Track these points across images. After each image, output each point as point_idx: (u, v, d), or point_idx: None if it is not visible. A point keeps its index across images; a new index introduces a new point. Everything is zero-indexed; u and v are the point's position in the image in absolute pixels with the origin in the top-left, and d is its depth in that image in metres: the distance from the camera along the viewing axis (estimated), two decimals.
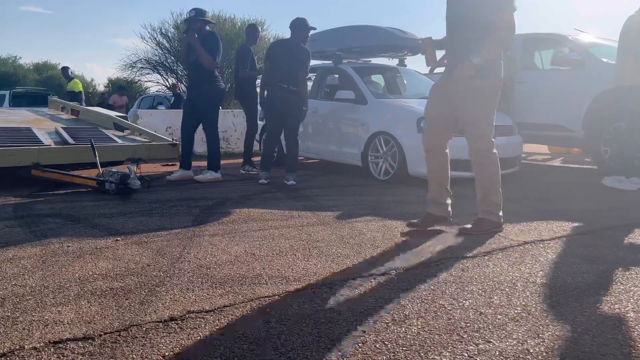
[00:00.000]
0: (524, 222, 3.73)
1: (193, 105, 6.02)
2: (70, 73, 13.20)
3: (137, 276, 2.51)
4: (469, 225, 3.44)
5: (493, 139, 3.50)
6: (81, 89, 13.07)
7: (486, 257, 2.82)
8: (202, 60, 5.73)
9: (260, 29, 7.38)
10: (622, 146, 5.42)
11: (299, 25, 5.76)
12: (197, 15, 5.91)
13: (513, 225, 3.61)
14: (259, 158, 8.32)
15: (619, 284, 2.40)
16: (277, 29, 42.15)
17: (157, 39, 19.66)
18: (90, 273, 2.55)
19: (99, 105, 14.10)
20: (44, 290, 2.31)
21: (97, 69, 71.23)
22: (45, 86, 34.32)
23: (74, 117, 8.54)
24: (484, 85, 3.35)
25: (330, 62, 7.23)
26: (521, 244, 3.10)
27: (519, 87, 7.16)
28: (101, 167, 5.81)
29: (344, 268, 2.65)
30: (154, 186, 5.56)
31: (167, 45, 19.26)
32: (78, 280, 2.44)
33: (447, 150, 3.70)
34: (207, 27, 6.05)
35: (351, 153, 6.39)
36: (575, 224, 3.66)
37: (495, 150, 3.49)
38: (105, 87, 33.35)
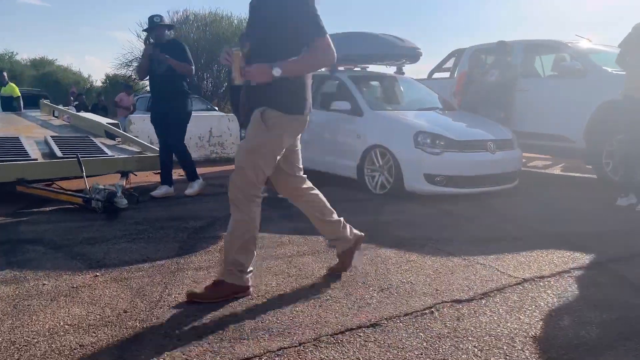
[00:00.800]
0: (524, 251, 3.57)
1: (163, 119, 5.69)
2: (5, 77, 12.89)
3: (111, 327, 2.36)
4: (199, 290, 2.70)
5: (260, 187, 2.74)
6: (18, 94, 12.81)
7: (483, 302, 2.66)
8: (178, 68, 5.44)
9: None
10: (625, 162, 5.23)
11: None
12: (152, 24, 5.60)
13: (512, 256, 3.46)
14: None
15: (623, 341, 2.25)
16: None
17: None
18: (62, 323, 2.40)
19: (94, 106, 13.92)
20: (10, 348, 2.16)
21: (97, 62, 70.81)
22: (42, 83, 34.15)
23: (66, 123, 8.40)
24: (266, 113, 2.67)
25: (326, 69, 7.05)
26: (520, 282, 2.95)
27: (519, 94, 7.00)
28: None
29: (332, 317, 2.49)
30: (143, 201, 5.41)
31: None
32: (47, 334, 2.28)
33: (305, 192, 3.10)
34: (168, 32, 5.92)
35: (347, 165, 6.23)
36: (577, 254, 3.50)
37: (257, 201, 2.73)
38: (103, 83, 33.03)
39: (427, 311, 2.54)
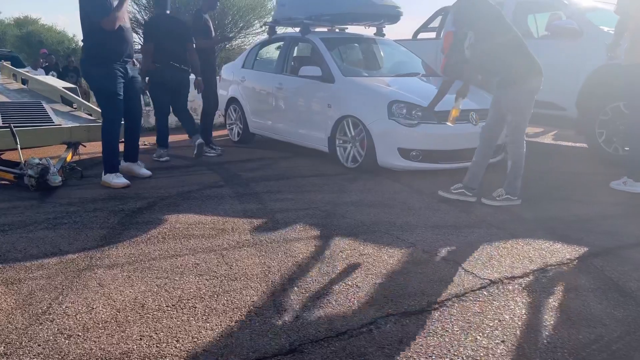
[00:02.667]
0: (497, 241, 3.11)
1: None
2: None
3: None
4: None
5: None
6: None
7: (437, 314, 2.20)
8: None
9: None
10: (632, 134, 4.64)
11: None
12: None
13: (483, 248, 2.99)
14: (223, 133, 7.68)
15: None
16: None
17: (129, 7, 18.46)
18: None
19: (64, 68, 13.19)
20: None
21: None
22: (25, 42, 33.04)
23: (23, 87, 7.81)
24: None
25: (298, 31, 6.44)
26: (485, 286, 2.49)
27: None
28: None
29: (251, 334, 2.03)
30: (88, 176, 4.90)
31: (144, 0, 18.12)
32: None
33: None
34: None
35: (317, 137, 5.70)
36: (558, 246, 3.04)
37: None
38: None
39: (364, 329, 2.08)
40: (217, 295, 2.38)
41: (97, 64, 4.35)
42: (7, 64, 9.44)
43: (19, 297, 2.36)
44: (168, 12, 6.20)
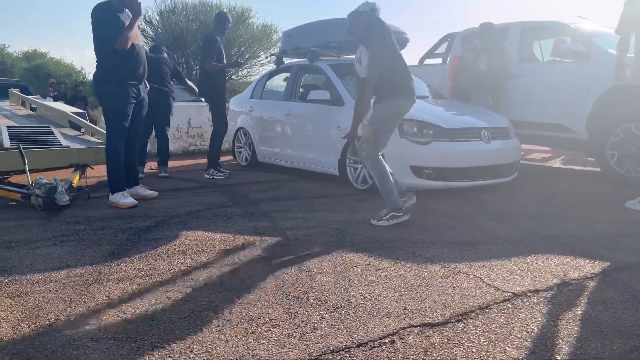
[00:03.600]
0: (516, 257, 3.01)
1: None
2: None
3: None
4: None
5: None
6: None
7: (460, 326, 2.11)
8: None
9: (230, 19, 6.56)
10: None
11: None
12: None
13: (502, 264, 2.90)
14: (228, 159, 7.66)
15: None
16: (265, 17, 40.85)
17: (140, 26, 18.79)
18: None
19: (72, 97, 13.32)
20: None
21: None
22: (33, 75, 33.50)
23: (31, 112, 7.86)
24: None
25: (306, 59, 6.47)
26: (509, 299, 2.39)
27: (515, 81, 6.42)
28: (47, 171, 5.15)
29: (262, 349, 1.94)
30: (96, 197, 4.85)
31: (150, 32, 18.41)
32: None
33: None
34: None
35: (327, 161, 5.65)
36: (580, 261, 2.94)
37: None
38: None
39: (387, 340, 1.98)
40: (231, 308, 2.29)
41: (111, 83, 4.36)
42: (16, 91, 9.55)
43: (25, 310, 2.27)
44: (165, 54, 6.67)
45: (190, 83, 7.02)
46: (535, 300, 2.37)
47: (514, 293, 2.46)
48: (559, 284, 2.58)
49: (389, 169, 3.88)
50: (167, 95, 6.35)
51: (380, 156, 3.85)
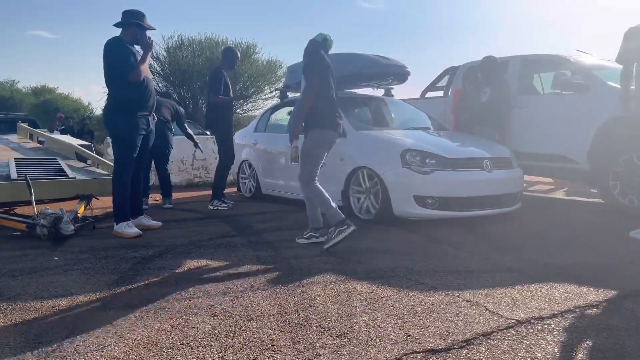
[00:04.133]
0: (519, 285, 3.00)
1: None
2: None
3: None
4: None
5: None
6: None
7: (464, 352, 2.09)
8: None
9: (239, 55, 6.66)
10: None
11: None
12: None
13: (506, 291, 2.88)
14: (231, 190, 7.70)
15: None
16: (270, 53, 41.57)
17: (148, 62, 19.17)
18: None
19: (79, 131, 13.50)
20: None
21: (103, 91, 71.27)
22: (41, 110, 34.01)
23: (39, 145, 7.99)
24: None
25: None
26: (513, 325, 2.38)
27: (516, 112, 6.49)
28: (53, 202, 5.19)
29: None
30: (101, 228, 4.87)
31: (158, 69, 18.77)
32: None
33: None
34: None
35: (330, 191, 5.64)
36: (584, 289, 2.92)
37: None
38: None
39: None
40: (233, 334, 2.28)
41: (122, 114, 4.45)
42: (24, 124, 9.71)
43: (28, 337, 2.27)
44: (173, 100, 6.90)
45: (189, 131, 6.97)
46: (539, 328, 2.36)
47: (517, 320, 2.44)
48: (563, 312, 2.56)
49: (325, 195, 4.13)
50: (163, 124, 6.25)
51: (316, 181, 4.16)
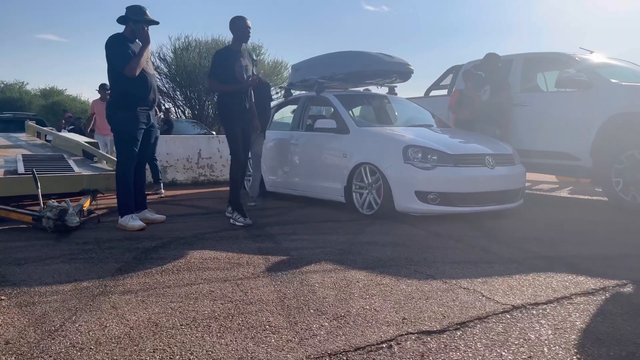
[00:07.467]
0: (518, 274, 3.03)
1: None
2: None
3: None
4: None
5: None
6: None
7: (458, 333, 2.12)
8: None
9: (248, 23, 5.08)
10: None
11: None
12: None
13: (503, 280, 2.91)
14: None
15: None
16: (275, 54, 41.73)
17: (154, 63, 19.34)
18: None
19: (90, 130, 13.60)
20: None
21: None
22: (50, 111, 34.28)
23: (47, 143, 8.08)
24: None
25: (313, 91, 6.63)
26: (508, 310, 2.40)
27: (519, 110, 6.51)
28: (60, 197, 5.25)
29: (262, 351, 1.97)
30: (106, 221, 4.93)
31: (165, 69, 18.91)
32: None
33: None
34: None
35: (333, 188, 5.73)
36: (581, 278, 2.95)
37: None
38: None
39: (384, 345, 2.00)
40: (232, 317, 2.32)
41: (122, 108, 4.51)
42: (32, 122, 9.82)
43: (32, 317, 2.32)
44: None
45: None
46: (534, 312, 2.38)
47: (513, 305, 2.47)
48: (559, 298, 2.59)
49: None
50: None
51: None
